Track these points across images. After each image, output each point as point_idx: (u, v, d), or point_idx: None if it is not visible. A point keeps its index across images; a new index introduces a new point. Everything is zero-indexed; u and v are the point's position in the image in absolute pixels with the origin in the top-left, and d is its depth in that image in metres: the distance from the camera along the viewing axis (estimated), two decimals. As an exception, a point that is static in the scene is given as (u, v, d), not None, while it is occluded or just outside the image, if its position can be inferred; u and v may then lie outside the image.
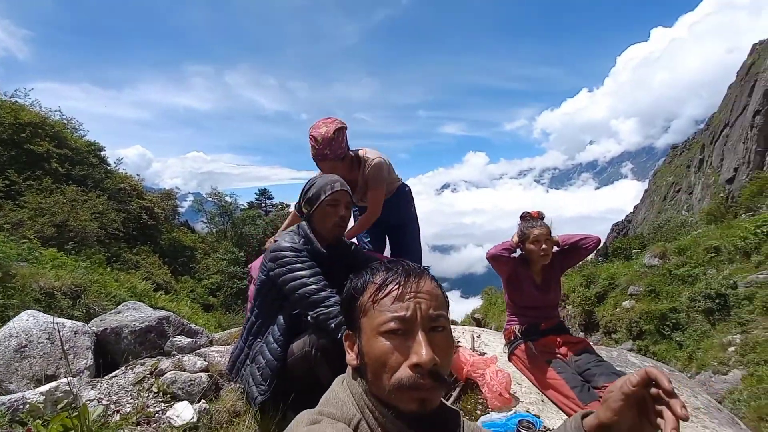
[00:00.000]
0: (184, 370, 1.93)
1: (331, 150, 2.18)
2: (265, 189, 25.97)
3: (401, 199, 2.66)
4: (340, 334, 1.50)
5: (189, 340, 2.39)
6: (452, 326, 3.05)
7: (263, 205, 24.93)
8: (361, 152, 2.43)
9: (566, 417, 1.89)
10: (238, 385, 1.82)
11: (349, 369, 0.77)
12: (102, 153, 12.55)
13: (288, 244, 1.71)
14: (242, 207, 22.02)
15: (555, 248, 2.41)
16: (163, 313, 2.51)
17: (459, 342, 2.67)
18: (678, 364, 4.80)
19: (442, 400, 0.79)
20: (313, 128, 2.19)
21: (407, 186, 2.71)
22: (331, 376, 1.66)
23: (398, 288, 0.71)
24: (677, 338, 5.08)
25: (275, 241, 1.84)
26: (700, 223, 10.11)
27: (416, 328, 0.69)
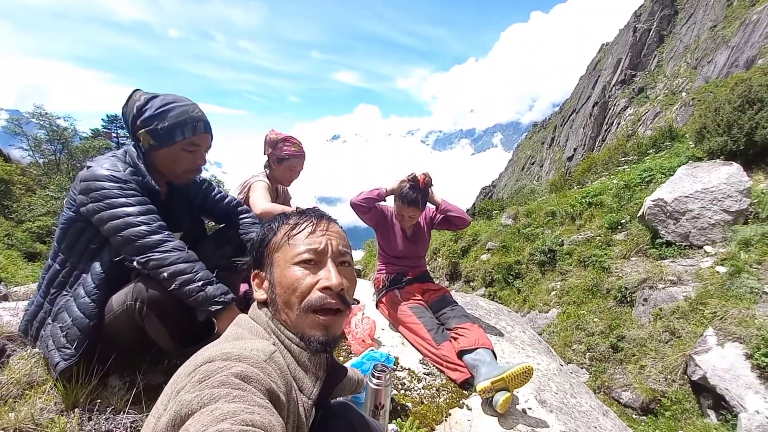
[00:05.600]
0: (-52, 335, 1.42)
1: None
2: (117, 115, 20.17)
3: None
4: (175, 285, 1.22)
5: (-36, 296, 1.76)
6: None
7: (114, 134, 20.08)
8: None
9: (421, 356, 2.07)
10: (36, 350, 1.42)
11: (253, 310, 0.80)
12: None
13: (107, 172, 1.29)
14: (83, 134, 17.58)
15: (432, 207, 2.49)
16: None
17: None
18: (515, 305, 5.76)
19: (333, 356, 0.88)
20: (278, 132, 2.41)
21: None
22: (166, 333, 1.31)
23: (312, 226, 0.80)
24: (517, 285, 6.07)
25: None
26: (544, 191, 12.05)
27: (327, 259, 0.77)
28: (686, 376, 3.14)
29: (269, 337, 0.72)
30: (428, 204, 2.43)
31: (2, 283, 2.18)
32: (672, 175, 4.96)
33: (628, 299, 4.29)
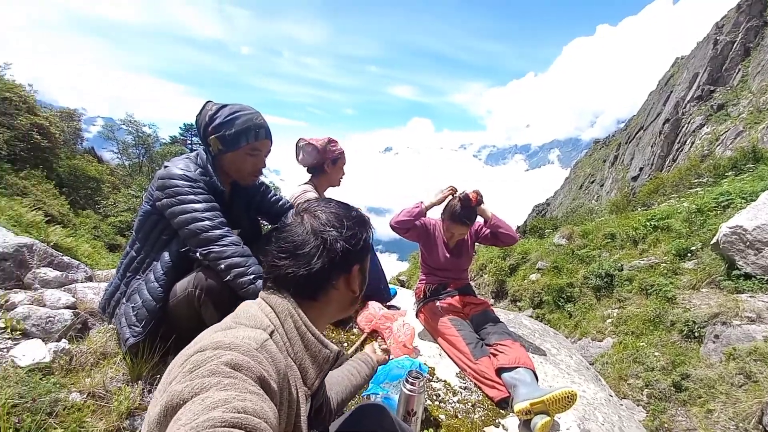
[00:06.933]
0: (44, 305, 1.63)
1: None
2: (192, 125, 22.74)
3: None
4: (230, 277, 1.35)
5: (57, 273, 2.03)
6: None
7: (188, 141, 22.05)
8: None
9: (459, 370, 2.04)
10: (111, 326, 1.61)
11: (272, 298, 0.78)
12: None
13: (181, 172, 1.45)
14: (163, 141, 19.58)
15: (478, 221, 2.44)
16: (24, 239, 2.09)
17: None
18: (566, 330, 5.43)
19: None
20: (319, 140, 2.49)
21: None
22: (219, 320, 1.47)
23: None
24: (569, 309, 5.72)
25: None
26: (604, 212, 11.30)
27: None
28: (761, 426, 2.77)
29: (268, 326, 0.70)
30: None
31: (88, 266, 2.50)
32: (754, 200, 4.45)
33: (696, 334, 3.88)
